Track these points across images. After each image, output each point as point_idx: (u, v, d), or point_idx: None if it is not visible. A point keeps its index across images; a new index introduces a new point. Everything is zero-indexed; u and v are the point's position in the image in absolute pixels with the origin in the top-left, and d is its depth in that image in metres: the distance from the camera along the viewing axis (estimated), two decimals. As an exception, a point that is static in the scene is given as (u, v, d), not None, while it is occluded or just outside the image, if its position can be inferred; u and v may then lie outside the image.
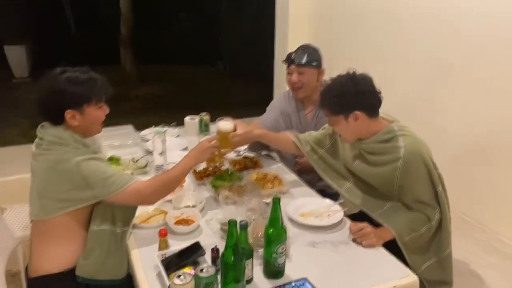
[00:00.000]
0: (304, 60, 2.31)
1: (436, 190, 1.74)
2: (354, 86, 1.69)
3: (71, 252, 1.62)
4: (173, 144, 2.59)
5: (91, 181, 1.53)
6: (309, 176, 2.47)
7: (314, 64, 2.34)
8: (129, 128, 2.69)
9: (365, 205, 1.87)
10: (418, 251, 1.74)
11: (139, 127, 3.25)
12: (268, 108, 2.57)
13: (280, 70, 4.52)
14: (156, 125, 2.80)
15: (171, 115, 5.78)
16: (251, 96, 4.61)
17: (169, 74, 9.13)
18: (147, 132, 2.76)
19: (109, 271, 1.62)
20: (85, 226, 1.65)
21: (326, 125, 2.07)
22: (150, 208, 1.88)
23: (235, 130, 2.01)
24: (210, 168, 2.19)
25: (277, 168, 2.35)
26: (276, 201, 1.43)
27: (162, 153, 2.22)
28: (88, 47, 8.78)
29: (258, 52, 7.14)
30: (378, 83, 1.76)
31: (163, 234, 1.53)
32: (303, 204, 1.91)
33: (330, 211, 1.86)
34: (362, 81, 1.72)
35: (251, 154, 2.42)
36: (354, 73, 1.73)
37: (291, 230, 1.73)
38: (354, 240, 1.69)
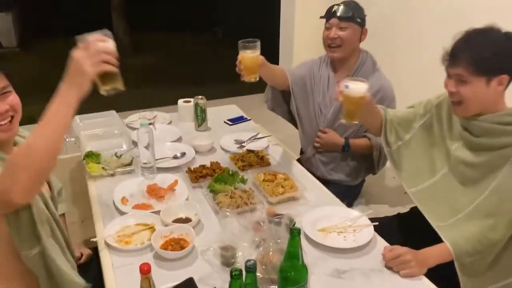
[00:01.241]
0: (348, 14, 1.97)
1: None
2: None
3: None
4: (163, 133, 2.21)
5: None
6: (327, 158, 2.14)
7: (358, 20, 1.99)
8: (112, 114, 2.29)
9: (431, 213, 1.51)
10: (477, 274, 1.40)
11: (133, 101, 2.88)
12: (300, 64, 2.26)
13: (286, 37, 4.06)
14: (148, 105, 2.41)
15: (167, 87, 5.36)
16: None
17: (165, 42, 8.66)
18: (134, 119, 2.38)
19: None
20: None
21: (416, 103, 1.69)
22: (132, 222, 1.52)
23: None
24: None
25: (287, 164, 1.97)
26: (295, 233, 1.06)
27: (148, 146, 1.82)
28: (79, 14, 8.26)
29: (261, 18, 6.64)
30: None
31: (146, 271, 1.17)
32: (322, 216, 1.55)
33: (357, 225, 1.50)
34: None
35: (255, 148, 2.03)
36: (498, 29, 1.39)
37: (309, 252, 1.38)
38: (389, 267, 1.34)
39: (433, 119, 1.62)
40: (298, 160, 2.16)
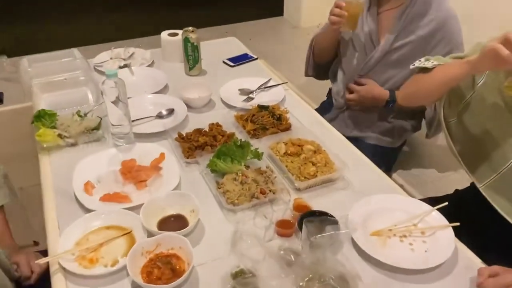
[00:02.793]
0: None
1: None
2: None
3: None
4: (143, 79, 1.67)
5: None
6: (362, 113, 1.68)
7: None
8: (73, 54, 1.71)
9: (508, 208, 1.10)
10: None
11: (101, 31, 2.25)
12: None
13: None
14: (120, 35, 1.83)
15: (143, 10, 4.54)
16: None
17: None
18: (105, 58, 1.80)
19: None
20: None
21: (470, 50, 1.16)
22: (99, 224, 1.04)
23: None
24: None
25: (312, 125, 1.44)
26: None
27: (117, 101, 1.26)
28: None
29: None
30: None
31: None
32: (373, 210, 1.08)
33: (427, 227, 1.04)
34: None
35: (268, 101, 1.49)
36: None
37: (363, 271, 0.92)
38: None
39: (499, 74, 1.09)
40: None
